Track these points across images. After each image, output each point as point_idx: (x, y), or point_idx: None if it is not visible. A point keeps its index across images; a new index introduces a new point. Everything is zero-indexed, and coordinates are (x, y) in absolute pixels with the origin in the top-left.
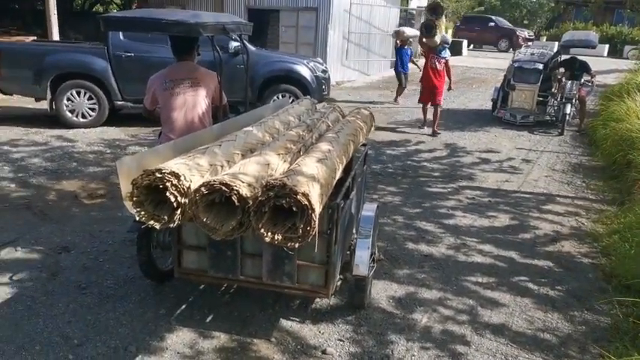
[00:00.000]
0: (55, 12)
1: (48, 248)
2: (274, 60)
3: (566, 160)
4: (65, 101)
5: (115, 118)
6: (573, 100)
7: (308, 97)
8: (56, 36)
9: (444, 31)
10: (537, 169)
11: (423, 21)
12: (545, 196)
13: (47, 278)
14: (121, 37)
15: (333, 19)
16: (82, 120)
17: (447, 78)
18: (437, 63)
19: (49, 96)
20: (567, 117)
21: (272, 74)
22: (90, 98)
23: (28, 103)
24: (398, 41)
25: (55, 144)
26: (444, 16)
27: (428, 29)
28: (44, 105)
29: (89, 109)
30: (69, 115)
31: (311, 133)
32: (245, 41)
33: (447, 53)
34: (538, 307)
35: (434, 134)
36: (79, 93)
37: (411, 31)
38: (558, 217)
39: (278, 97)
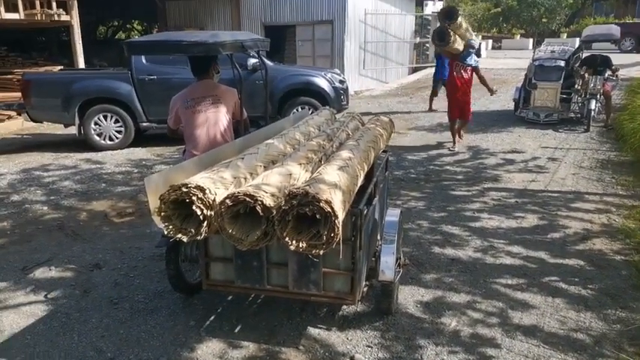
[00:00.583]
0: (80, 41)
1: (80, 266)
2: (292, 74)
3: (594, 156)
4: (93, 125)
5: (141, 139)
6: (598, 96)
7: (327, 107)
8: (82, 64)
9: (470, 35)
10: (564, 167)
11: (435, 28)
12: (573, 194)
13: (80, 295)
14: (144, 61)
15: (349, 30)
16: (109, 142)
17: (482, 86)
18: (463, 72)
19: (77, 121)
20: (592, 113)
21: (290, 88)
22: (116, 121)
23: (57, 129)
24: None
25: (84, 167)
26: (462, 20)
27: (441, 37)
28: (73, 130)
29: (116, 131)
30: (97, 138)
31: (331, 142)
32: (263, 57)
33: (472, 59)
34: (570, 307)
35: (459, 137)
36: (105, 117)
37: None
38: (588, 214)
39: (297, 110)
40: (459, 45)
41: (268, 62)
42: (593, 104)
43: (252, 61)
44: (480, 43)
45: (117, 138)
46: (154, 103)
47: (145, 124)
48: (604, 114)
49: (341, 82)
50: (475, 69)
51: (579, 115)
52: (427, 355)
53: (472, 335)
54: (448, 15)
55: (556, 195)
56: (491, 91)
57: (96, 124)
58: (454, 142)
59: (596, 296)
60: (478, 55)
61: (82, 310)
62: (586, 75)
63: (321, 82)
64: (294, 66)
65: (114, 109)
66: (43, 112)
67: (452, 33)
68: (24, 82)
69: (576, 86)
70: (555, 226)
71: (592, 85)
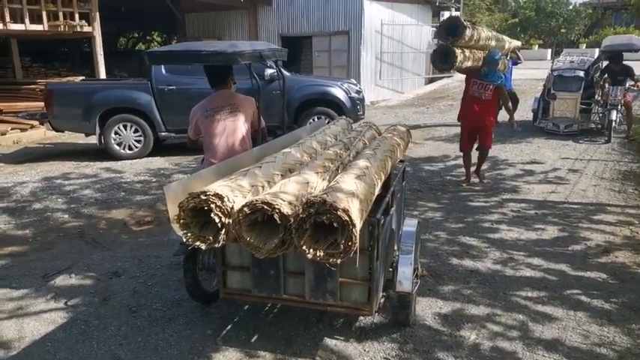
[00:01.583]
0: (102, 52)
1: (100, 274)
2: (308, 84)
3: (616, 167)
4: (113, 135)
5: (159, 148)
6: (619, 107)
7: (344, 117)
8: (103, 74)
9: (501, 45)
10: (585, 178)
11: (435, 47)
12: (594, 206)
13: (99, 303)
14: (164, 71)
15: (365, 41)
16: (128, 152)
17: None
18: (481, 90)
19: (97, 131)
20: (614, 124)
21: (307, 98)
22: (136, 131)
23: (78, 138)
24: None
25: (104, 176)
26: (476, 31)
27: (444, 58)
28: (93, 140)
29: (135, 141)
30: (117, 147)
31: (348, 152)
32: (273, 66)
33: (495, 76)
34: (593, 320)
35: (479, 180)
36: (125, 126)
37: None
38: (610, 226)
39: (314, 120)
40: (476, 61)
41: (285, 72)
42: (614, 115)
43: (269, 71)
44: (518, 49)
45: (136, 147)
46: (173, 113)
47: (163, 133)
48: (625, 125)
49: (357, 92)
50: (499, 89)
51: (600, 126)
52: None
53: (492, 349)
54: (450, 29)
55: (577, 207)
56: (513, 123)
57: (116, 133)
58: (467, 177)
59: (619, 310)
60: (517, 63)
61: (101, 318)
62: (606, 85)
63: (338, 93)
64: (311, 76)
65: (134, 118)
66: (65, 121)
67: (459, 52)
68: (47, 92)
69: (596, 97)
70: (576, 238)
71: (613, 95)
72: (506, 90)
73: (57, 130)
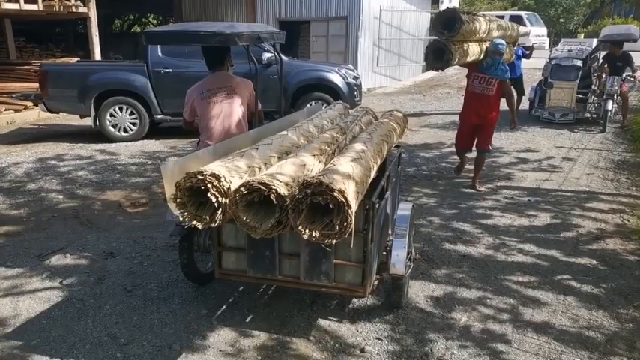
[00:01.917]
0: (97, 34)
1: (95, 254)
2: (305, 69)
3: (609, 157)
4: (108, 117)
5: (155, 131)
6: (615, 96)
7: (340, 101)
8: (98, 56)
9: (505, 34)
10: (579, 167)
11: (430, 41)
12: (587, 194)
13: (95, 282)
14: (160, 53)
15: (363, 27)
16: (124, 134)
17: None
18: (483, 85)
19: (93, 112)
20: (609, 113)
21: (304, 83)
22: (131, 113)
23: (72, 120)
24: None
25: (98, 158)
26: (474, 24)
27: (438, 55)
28: (88, 122)
29: (131, 123)
30: (112, 130)
31: (345, 135)
32: (270, 50)
33: (499, 69)
34: (582, 305)
35: (475, 189)
36: (121, 109)
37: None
38: (602, 214)
39: (311, 105)
40: (475, 56)
41: (283, 57)
42: (610, 105)
43: (266, 55)
44: (528, 33)
45: (132, 130)
46: (169, 96)
47: (159, 116)
48: (620, 115)
49: (355, 78)
50: (502, 83)
51: (595, 116)
52: (437, 348)
53: (483, 330)
54: (447, 23)
55: (570, 194)
56: (514, 123)
57: (111, 115)
58: (460, 168)
59: (608, 295)
60: (526, 56)
61: (97, 297)
62: (603, 75)
63: (335, 78)
64: (308, 61)
65: (129, 101)
66: (60, 102)
67: (456, 48)
68: (41, 73)
69: (593, 86)
70: (568, 225)
71: (609, 85)
72: (515, 77)
73: (51, 112)
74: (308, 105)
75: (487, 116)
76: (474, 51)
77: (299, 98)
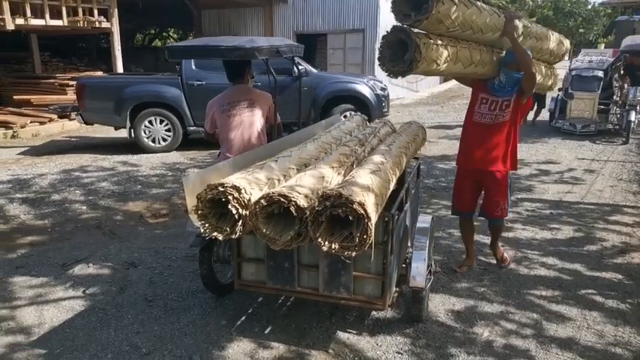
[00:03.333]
0: (120, 48)
1: (117, 264)
2: (335, 81)
3: (633, 169)
4: (143, 128)
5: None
6: (638, 107)
7: (358, 113)
8: (121, 69)
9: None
10: (601, 179)
11: (387, 31)
12: (611, 207)
13: (117, 292)
14: (193, 67)
15: (380, 39)
16: (158, 145)
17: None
18: (493, 113)
19: (128, 124)
20: (632, 124)
21: (334, 94)
22: (165, 125)
23: (94, 132)
24: None
25: (120, 169)
26: (485, 6)
27: (397, 53)
28: (112, 133)
29: (164, 134)
30: (147, 141)
31: (363, 147)
32: (301, 63)
33: (513, 88)
34: (608, 320)
35: (497, 262)
36: (155, 120)
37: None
38: (626, 227)
39: (346, 117)
40: (471, 65)
41: (312, 69)
42: (632, 115)
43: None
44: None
45: (165, 141)
46: (202, 108)
47: (192, 127)
48: None
49: (382, 89)
50: (520, 98)
51: (618, 127)
52: None
53: (505, 346)
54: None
55: (593, 207)
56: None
57: (146, 127)
58: (469, 256)
59: (634, 311)
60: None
61: (119, 307)
62: (625, 85)
63: (364, 90)
64: (337, 73)
65: (164, 112)
66: (96, 114)
67: (430, 43)
68: (78, 86)
69: (615, 97)
70: (592, 239)
71: (632, 95)
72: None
73: (87, 124)
74: (342, 117)
75: (495, 157)
76: (462, 57)
77: (329, 110)
